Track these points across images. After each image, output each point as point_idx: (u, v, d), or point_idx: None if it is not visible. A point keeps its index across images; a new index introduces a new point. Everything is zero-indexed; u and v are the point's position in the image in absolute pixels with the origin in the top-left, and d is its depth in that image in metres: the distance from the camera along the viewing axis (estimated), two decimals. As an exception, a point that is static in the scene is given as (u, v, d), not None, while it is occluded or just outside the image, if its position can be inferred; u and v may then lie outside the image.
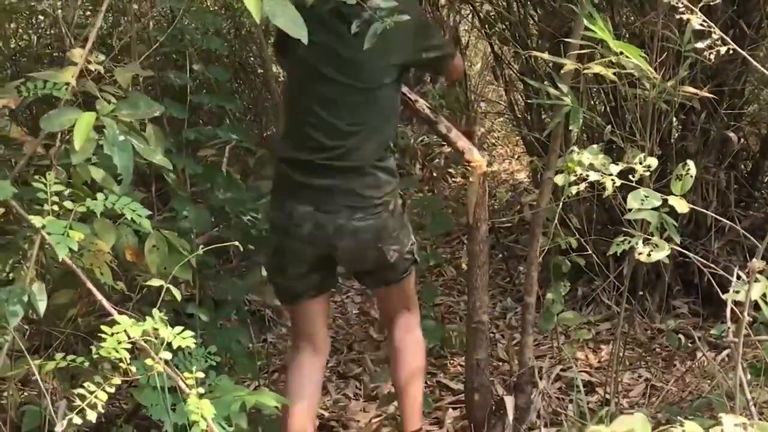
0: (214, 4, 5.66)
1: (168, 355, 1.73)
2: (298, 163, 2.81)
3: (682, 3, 2.22)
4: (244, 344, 3.36)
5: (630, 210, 2.39)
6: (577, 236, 3.63)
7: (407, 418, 3.10)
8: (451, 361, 4.00)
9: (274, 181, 2.93)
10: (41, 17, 5.83)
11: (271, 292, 3.91)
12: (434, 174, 6.81)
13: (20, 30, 5.94)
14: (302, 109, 2.82)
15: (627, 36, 4.12)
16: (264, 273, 3.43)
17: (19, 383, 3.01)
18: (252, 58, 5.79)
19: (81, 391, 1.62)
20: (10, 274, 2.54)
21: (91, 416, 1.61)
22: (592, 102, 4.31)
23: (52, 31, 5.71)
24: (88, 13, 4.68)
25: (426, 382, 3.73)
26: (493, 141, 7.83)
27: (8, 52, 5.61)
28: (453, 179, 6.81)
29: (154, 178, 3.34)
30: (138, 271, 2.95)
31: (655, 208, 2.35)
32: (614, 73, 2.61)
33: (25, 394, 3.11)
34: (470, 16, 6.65)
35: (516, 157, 7.34)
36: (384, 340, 4.33)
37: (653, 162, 2.42)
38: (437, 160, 6.95)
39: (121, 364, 1.71)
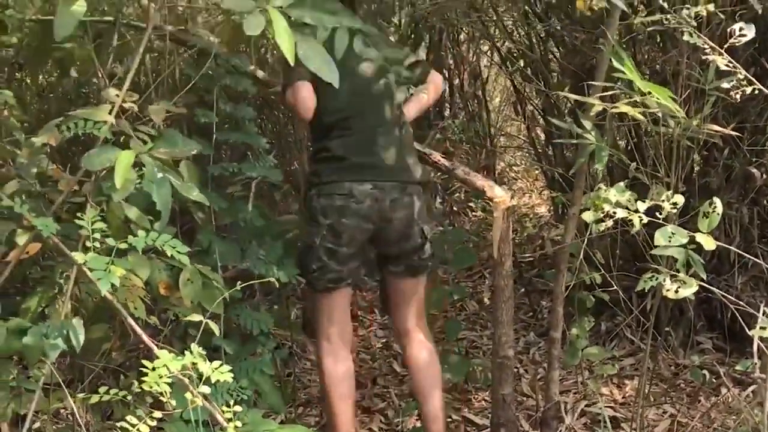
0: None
1: (207, 390, 1.77)
2: (351, 148, 3.17)
3: (708, 44, 2.27)
4: (271, 376, 3.38)
5: (656, 246, 2.42)
6: (603, 273, 3.64)
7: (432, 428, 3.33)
8: (476, 396, 4.01)
9: (316, 174, 3.22)
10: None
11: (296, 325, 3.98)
12: (455, 208, 6.84)
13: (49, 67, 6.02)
14: (350, 103, 3.18)
15: (648, 73, 4.17)
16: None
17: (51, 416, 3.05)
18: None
19: (123, 424, 1.67)
20: (46, 309, 2.59)
21: (134, 449, 1.65)
22: (616, 136, 4.33)
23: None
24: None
25: (451, 417, 3.76)
26: (513, 175, 7.86)
27: (36, 89, 5.69)
28: (473, 213, 6.84)
29: (179, 213, 3.39)
30: (168, 305, 3.00)
31: (681, 245, 2.39)
32: (640, 112, 2.64)
33: (55, 427, 3.15)
34: (490, 51, 6.72)
35: (537, 191, 7.36)
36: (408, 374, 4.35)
37: (680, 200, 2.45)
38: (457, 194, 6.99)
39: (161, 398, 1.75)
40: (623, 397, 3.92)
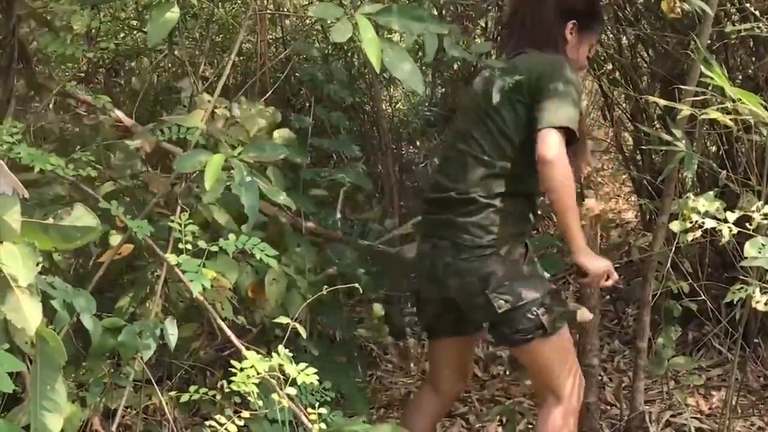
0: (323, 40, 5.79)
1: (293, 391, 1.80)
2: (425, 200, 2.95)
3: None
4: (355, 379, 3.42)
5: (746, 257, 2.38)
6: (689, 280, 3.58)
7: None
8: (558, 403, 3.98)
9: None
10: (159, 54, 6.05)
11: (382, 328, 4.02)
12: (539, 212, 6.78)
13: (140, 70, 6.16)
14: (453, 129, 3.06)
15: (741, 78, 4.09)
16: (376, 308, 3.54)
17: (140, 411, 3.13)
18: (360, 97, 5.87)
19: (212, 423, 1.71)
20: (137, 309, 2.67)
21: (223, 448, 1.69)
22: (705, 143, 4.26)
23: (172, 70, 5.92)
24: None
25: (532, 423, 3.74)
26: (600, 179, 7.76)
27: (128, 90, 5.84)
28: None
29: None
30: (254, 306, 3.06)
31: (773, 256, 2.34)
32: (731, 120, 2.59)
33: (143, 423, 3.22)
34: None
35: (623, 196, 7.25)
36: (489, 378, 4.34)
37: (771, 209, 2.41)
38: (541, 198, 6.92)
39: (248, 397, 1.79)
40: (710, 409, 3.85)
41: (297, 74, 4.25)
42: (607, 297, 4.99)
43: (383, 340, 4.42)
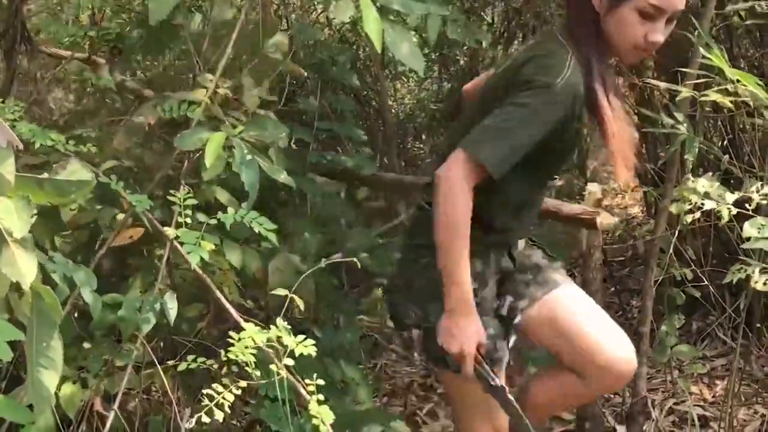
0: (331, 36, 5.80)
1: (290, 362, 1.81)
2: None
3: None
4: (359, 366, 3.43)
5: (747, 239, 2.38)
6: (693, 268, 3.58)
7: None
8: (561, 391, 3.98)
9: None
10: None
11: (384, 314, 4.03)
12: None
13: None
14: None
15: (746, 67, 4.08)
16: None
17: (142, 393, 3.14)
18: (366, 90, 5.88)
19: (209, 391, 1.72)
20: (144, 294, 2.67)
21: (219, 416, 1.70)
22: (710, 132, 4.25)
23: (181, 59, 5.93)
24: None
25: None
26: (606, 174, 7.74)
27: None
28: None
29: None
30: (261, 291, 3.07)
31: (773, 237, 2.34)
32: (732, 102, 2.60)
33: (146, 405, 3.23)
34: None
35: (630, 190, 7.24)
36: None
37: (771, 190, 2.41)
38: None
39: (246, 368, 1.80)
40: (713, 397, 3.85)
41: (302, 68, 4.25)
42: (612, 289, 4.99)
43: (388, 329, 4.44)
